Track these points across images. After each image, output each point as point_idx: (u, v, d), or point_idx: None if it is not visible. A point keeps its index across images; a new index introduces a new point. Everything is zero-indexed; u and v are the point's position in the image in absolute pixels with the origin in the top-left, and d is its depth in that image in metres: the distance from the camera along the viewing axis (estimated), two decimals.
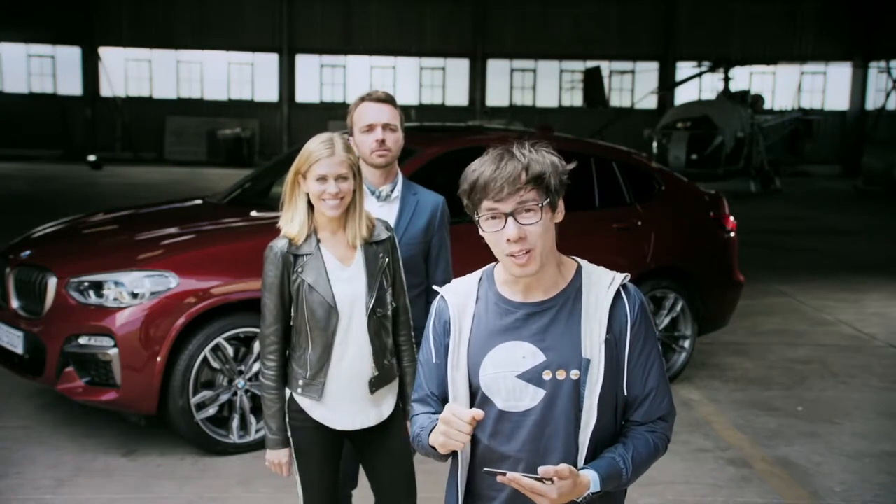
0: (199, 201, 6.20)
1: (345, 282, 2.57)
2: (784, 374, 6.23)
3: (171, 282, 4.38)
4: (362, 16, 29.39)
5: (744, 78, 28.81)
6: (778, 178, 22.13)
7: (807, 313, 8.22)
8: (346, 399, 2.62)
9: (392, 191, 3.10)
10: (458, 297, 1.94)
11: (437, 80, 30.61)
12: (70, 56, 29.14)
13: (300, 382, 2.60)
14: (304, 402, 2.62)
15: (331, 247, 2.60)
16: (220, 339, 4.45)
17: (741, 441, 4.91)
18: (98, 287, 4.41)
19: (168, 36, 29.16)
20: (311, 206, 2.57)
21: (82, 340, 4.37)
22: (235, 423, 4.55)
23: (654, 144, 21.74)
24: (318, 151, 2.52)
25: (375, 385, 2.63)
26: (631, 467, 1.83)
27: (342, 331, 2.57)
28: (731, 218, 6.36)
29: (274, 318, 2.58)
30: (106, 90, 29.03)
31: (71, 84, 29.28)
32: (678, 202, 6.16)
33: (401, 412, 2.74)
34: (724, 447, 4.80)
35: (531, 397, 1.84)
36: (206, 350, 4.41)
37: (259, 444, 4.50)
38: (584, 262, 1.94)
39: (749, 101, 22.23)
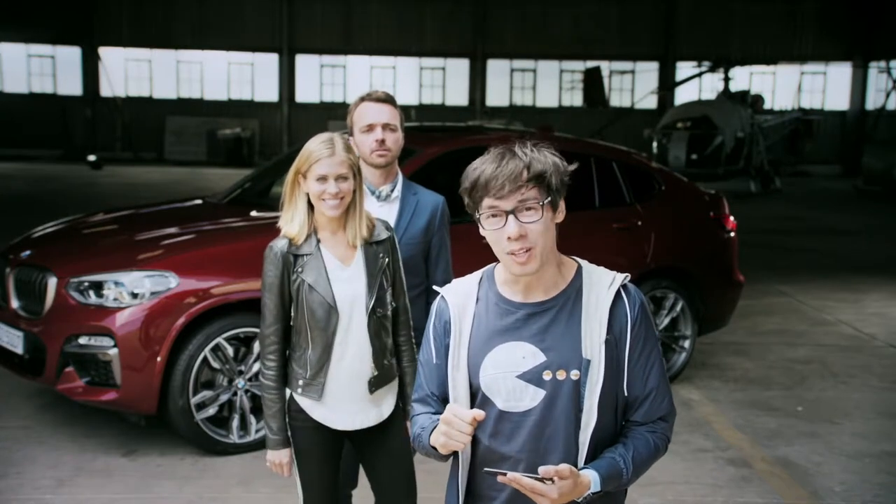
0: (199, 201, 6.20)
1: (345, 282, 2.57)
2: (784, 374, 6.23)
3: (171, 282, 4.38)
4: (362, 16, 29.39)
5: (744, 78, 28.82)
6: (778, 178, 22.13)
7: (807, 313, 8.22)
8: (346, 399, 2.62)
9: (392, 191, 3.10)
10: (459, 297, 1.94)
11: (437, 80, 30.62)
12: (70, 56, 29.14)
13: (300, 382, 2.60)
14: (304, 402, 2.62)
15: (331, 247, 2.60)
16: (220, 339, 4.45)
17: (741, 441, 4.91)
18: (98, 287, 4.41)
19: (168, 36, 29.16)
20: (311, 206, 2.57)
21: (82, 340, 4.37)
22: (235, 423, 4.55)
23: (654, 144, 21.74)
24: (319, 151, 2.52)
25: (375, 385, 2.63)
26: (631, 467, 1.83)
27: (342, 331, 2.57)
28: (731, 218, 6.36)
29: (274, 318, 2.58)
30: (106, 90, 29.03)
31: (71, 84, 29.28)
32: (678, 202, 6.16)
33: (401, 412, 2.74)
34: (724, 447, 4.80)
35: (531, 397, 1.84)
36: (206, 350, 4.41)
37: (259, 444, 4.50)
38: (584, 263, 1.94)
39: (749, 101, 22.23)
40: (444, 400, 1.95)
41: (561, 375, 1.82)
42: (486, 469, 1.78)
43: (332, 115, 26.91)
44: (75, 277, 4.46)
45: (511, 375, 1.84)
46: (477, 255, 2.62)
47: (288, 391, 2.64)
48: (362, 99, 3.07)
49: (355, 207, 2.59)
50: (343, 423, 2.64)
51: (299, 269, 2.55)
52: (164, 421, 4.54)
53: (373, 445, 2.72)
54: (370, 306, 2.59)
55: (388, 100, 3.05)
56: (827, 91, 31.14)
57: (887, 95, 27.79)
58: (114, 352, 4.30)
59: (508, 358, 1.85)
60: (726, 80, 22.80)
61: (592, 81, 26.32)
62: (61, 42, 28.69)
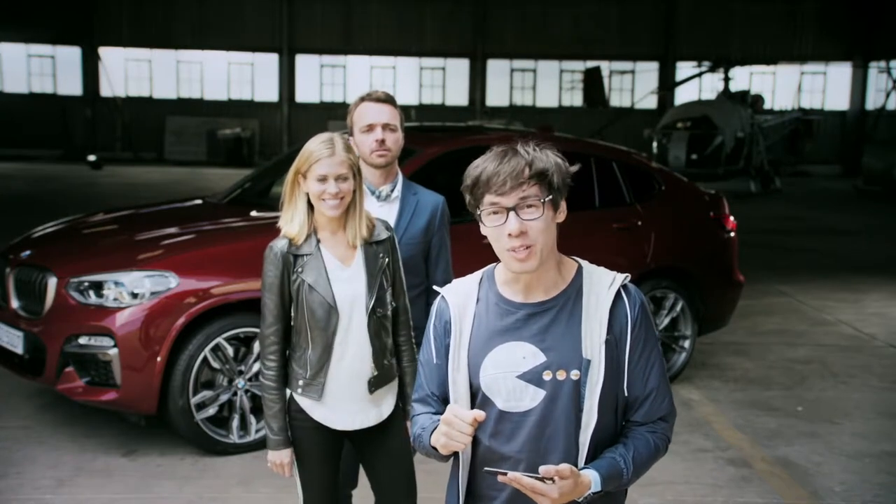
0: (199, 201, 6.20)
1: (345, 282, 2.57)
2: (784, 374, 6.23)
3: (171, 282, 4.38)
4: (362, 16, 29.39)
5: (744, 78, 28.81)
6: (778, 178, 22.13)
7: (807, 313, 8.22)
8: (346, 399, 2.62)
9: (392, 191, 3.10)
10: (459, 297, 1.94)
11: (437, 80, 30.62)
12: (70, 56, 29.15)
13: (300, 382, 2.60)
14: (304, 402, 2.62)
15: (331, 247, 2.60)
16: (220, 339, 4.45)
17: (741, 441, 4.91)
18: (98, 287, 4.41)
19: (168, 36, 29.17)
20: (311, 206, 2.57)
21: (82, 340, 4.37)
22: (235, 423, 4.54)
23: (654, 144, 21.74)
24: (319, 151, 2.52)
25: (375, 385, 2.64)
26: (632, 467, 1.83)
27: (342, 331, 2.57)
28: (731, 218, 6.36)
29: (274, 318, 2.58)
30: (106, 90, 29.03)
31: (71, 84, 29.28)
32: (678, 202, 6.16)
33: (400, 412, 2.74)
34: (724, 447, 4.80)
35: (531, 398, 1.84)
36: (206, 350, 4.41)
37: (259, 444, 4.50)
38: (584, 263, 1.94)
39: (749, 101, 22.23)
40: (444, 400, 1.95)
41: (561, 375, 1.82)
42: (486, 468, 1.78)
43: (332, 115, 26.92)
44: (75, 277, 4.46)
45: (511, 375, 1.84)
46: (477, 255, 2.63)
47: (288, 391, 2.64)
48: (362, 99, 3.07)
49: (355, 207, 2.59)
50: (343, 423, 2.64)
51: (299, 270, 2.55)
52: (164, 421, 4.54)
53: (373, 445, 2.72)
54: (370, 306, 2.59)
55: (388, 100, 3.05)
56: (827, 91, 31.15)
57: (887, 95, 27.79)
58: (114, 352, 4.30)
59: (509, 358, 1.85)
60: (726, 80, 22.80)
61: (592, 81, 26.32)
62: (61, 42, 28.69)
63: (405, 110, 3.41)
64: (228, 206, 5.65)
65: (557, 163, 1.82)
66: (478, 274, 1.98)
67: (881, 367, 6.48)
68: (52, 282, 4.49)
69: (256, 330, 3.68)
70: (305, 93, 30.24)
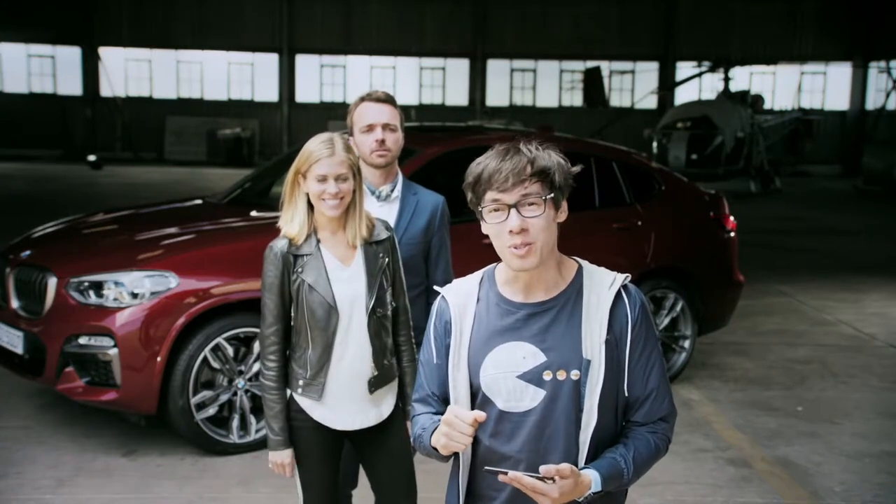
0: (199, 201, 6.20)
1: (345, 282, 2.57)
2: (784, 374, 6.23)
3: (171, 282, 4.38)
4: (362, 16, 29.39)
5: (744, 78, 28.81)
6: (778, 178, 22.13)
7: (807, 313, 8.22)
8: (346, 399, 2.62)
9: (392, 191, 3.10)
10: (459, 297, 1.94)
11: (437, 80, 30.62)
12: (70, 56, 29.14)
13: (300, 382, 2.60)
14: (305, 403, 2.62)
15: (331, 247, 2.60)
16: (220, 339, 4.45)
17: (741, 441, 4.91)
18: (98, 287, 4.41)
19: (168, 36, 29.16)
20: (310, 206, 2.57)
21: (82, 340, 4.37)
22: (235, 423, 4.54)
23: (654, 144, 21.74)
24: (318, 151, 2.52)
25: (375, 385, 2.64)
26: (632, 467, 1.83)
27: (342, 331, 2.57)
28: (731, 218, 6.36)
29: (274, 318, 2.58)
30: (106, 90, 29.03)
31: (71, 84, 29.28)
32: (678, 202, 6.16)
33: (400, 412, 2.74)
34: (724, 447, 4.80)
35: (531, 398, 1.84)
36: (206, 350, 4.41)
37: (259, 444, 4.50)
38: (584, 263, 1.94)
39: (749, 101, 22.22)
40: (444, 400, 1.95)
41: (561, 375, 1.82)
42: (486, 468, 1.78)
43: (332, 115, 26.91)
44: (75, 277, 4.45)
45: (511, 375, 1.84)
46: (477, 254, 2.63)
47: (288, 391, 2.64)
48: (362, 99, 3.07)
49: (355, 207, 2.59)
50: (343, 423, 2.64)
51: (299, 270, 2.55)
52: (164, 421, 4.54)
53: (373, 445, 2.72)
54: (370, 306, 2.59)
55: (388, 100, 3.05)
56: (827, 91, 31.14)
57: (887, 95, 27.79)
58: (114, 352, 4.30)
59: (509, 358, 1.85)
60: (726, 80, 22.80)
61: (592, 81, 26.32)
62: (61, 42, 28.69)
63: (405, 110, 3.41)
64: (228, 206, 5.65)
65: (559, 162, 1.83)
66: (478, 274, 1.98)
67: (881, 367, 6.48)
68: (52, 282, 4.49)
69: (256, 330, 3.68)
70: (305, 93, 30.25)
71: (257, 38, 29.35)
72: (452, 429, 1.76)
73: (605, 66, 28.76)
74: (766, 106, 25.27)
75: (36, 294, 4.58)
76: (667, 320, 5.84)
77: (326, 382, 2.59)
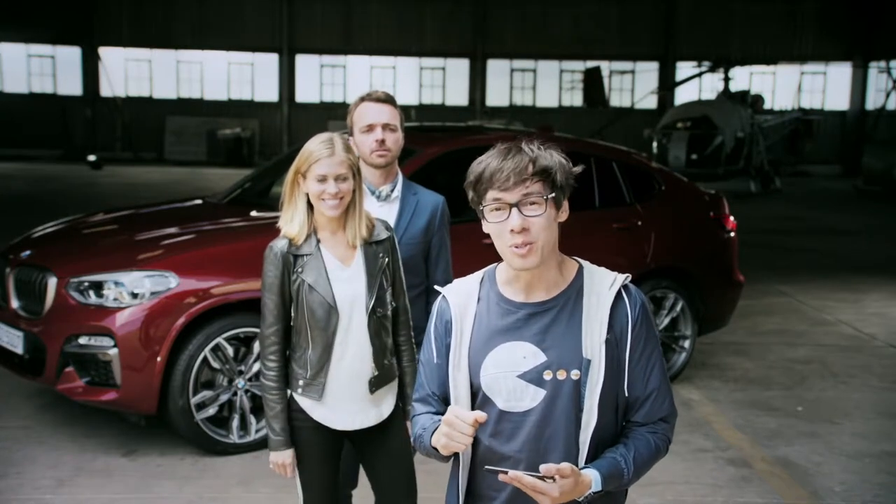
0: (199, 201, 6.20)
1: (345, 282, 2.57)
2: (784, 374, 6.23)
3: (171, 282, 4.38)
4: (362, 16, 29.39)
5: (744, 78, 28.81)
6: (778, 178, 22.13)
7: (807, 313, 8.22)
8: (347, 399, 2.62)
9: (392, 191, 3.09)
10: (460, 297, 1.94)
11: (437, 80, 30.62)
12: (70, 56, 29.14)
13: (300, 382, 2.60)
14: (305, 403, 2.62)
15: (331, 247, 2.60)
16: (220, 339, 4.45)
17: (741, 441, 4.91)
18: (98, 287, 4.41)
19: (168, 36, 29.16)
20: (310, 206, 2.57)
21: (82, 340, 4.37)
22: (235, 423, 4.54)
23: (654, 144, 21.74)
24: (318, 151, 2.52)
25: (375, 385, 2.64)
26: (632, 467, 1.83)
27: (342, 331, 2.57)
28: (731, 218, 6.36)
29: (274, 318, 2.58)
30: (106, 90, 29.03)
31: (71, 84, 29.28)
32: (678, 202, 6.16)
33: (400, 412, 2.74)
34: (724, 447, 4.80)
35: (532, 397, 1.84)
36: (206, 350, 4.41)
37: (259, 444, 4.50)
38: (585, 263, 1.94)
39: (749, 101, 22.22)
40: (444, 399, 1.95)
41: (561, 375, 1.82)
42: (487, 467, 1.78)
43: (332, 115, 26.91)
44: (75, 277, 4.45)
45: (512, 375, 1.84)
46: (477, 255, 2.63)
47: (288, 391, 2.64)
48: (362, 99, 3.07)
49: (355, 207, 2.59)
50: (343, 423, 2.64)
51: (299, 270, 2.55)
52: (164, 421, 4.54)
53: (373, 445, 2.72)
54: (370, 306, 2.59)
55: (388, 100, 3.05)
56: (827, 91, 31.14)
57: (887, 95, 27.79)
58: (114, 352, 4.30)
59: (509, 357, 1.85)
60: (726, 80, 22.80)
61: (592, 81, 26.32)
62: (61, 42, 28.68)
63: (405, 110, 3.41)
64: (228, 206, 5.65)
65: (561, 162, 1.83)
66: (479, 274, 1.98)
67: (881, 367, 6.48)
68: (52, 282, 4.49)
69: (256, 330, 3.68)
70: (305, 93, 30.24)
71: (257, 38, 29.35)
72: (453, 429, 1.76)
73: (605, 66, 28.76)
74: (766, 106, 25.27)
75: (36, 294, 4.58)
76: (667, 320, 5.84)
77: (326, 382, 2.59)
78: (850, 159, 28.33)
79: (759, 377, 6.16)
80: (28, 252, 4.92)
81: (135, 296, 4.36)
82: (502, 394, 1.85)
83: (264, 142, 29.05)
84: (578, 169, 1.87)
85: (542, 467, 1.68)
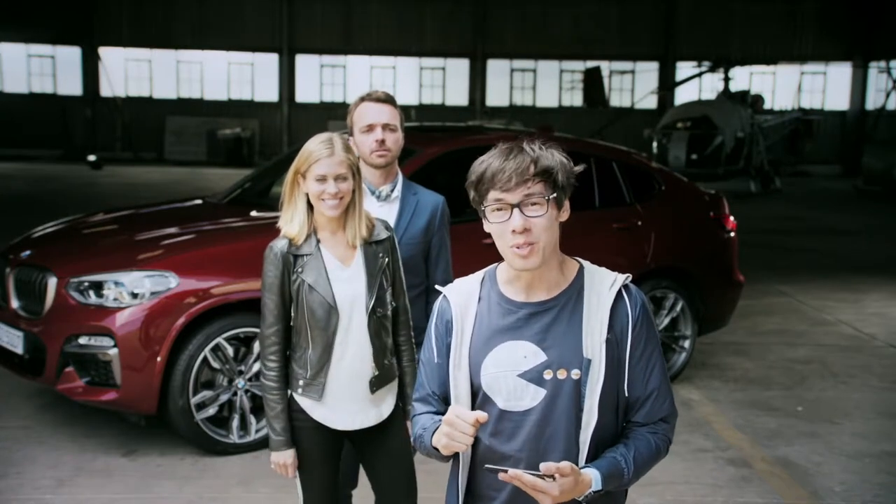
0: (199, 201, 6.20)
1: (345, 282, 2.57)
2: (784, 374, 6.23)
3: (171, 282, 4.38)
4: (362, 16, 29.39)
5: (744, 78, 28.81)
6: (778, 178, 22.13)
7: (807, 313, 8.22)
8: (347, 399, 2.62)
9: (392, 191, 3.09)
10: (461, 296, 1.94)
11: (437, 80, 30.62)
12: (70, 56, 29.14)
13: (300, 382, 2.60)
14: (305, 403, 2.62)
15: (330, 247, 2.60)
16: (220, 339, 4.45)
17: (741, 441, 4.91)
18: (98, 287, 4.41)
19: (168, 36, 29.16)
20: (310, 206, 2.57)
21: (82, 340, 4.37)
22: (235, 423, 4.54)
23: (654, 144, 21.74)
24: (318, 151, 2.52)
25: (376, 385, 2.64)
26: (632, 467, 1.83)
27: (342, 331, 2.57)
28: (731, 218, 6.36)
29: (274, 318, 2.58)
30: (106, 90, 29.03)
31: (71, 84, 29.28)
32: (678, 202, 6.16)
33: (400, 412, 2.74)
34: (724, 447, 4.80)
35: (532, 397, 1.84)
36: (206, 350, 4.41)
37: (259, 444, 4.50)
38: (586, 263, 1.94)
39: (749, 101, 22.22)
40: (445, 399, 1.95)
41: (562, 375, 1.82)
42: (487, 466, 1.78)
43: (332, 115, 26.91)
44: (75, 277, 4.45)
45: (512, 374, 1.84)
46: (477, 255, 2.63)
47: (288, 391, 2.63)
48: (362, 99, 3.07)
49: (355, 207, 2.59)
50: (343, 423, 2.63)
51: (299, 270, 2.55)
52: (164, 421, 4.54)
53: (373, 445, 2.72)
54: (370, 306, 2.59)
55: (388, 100, 3.05)
56: (827, 91, 31.14)
57: (887, 95, 27.79)
58: (114, 352, 4.30)
59: (509, 357, 1.85)
60: (726, 80, 22.80)
61: (592, 81, 26.32)
62: (61, 42, 28.68)
63: (405, 110, 3.41)
64: (228, 206, 5.65)
65: (562, 162, 1.83)
66: (480, 273, 1.98)
67: (881, 367, 6.48)
68: (52, 282, 4.49)
69: (256, 330, 3.68)
70: (305, 93, 30.25)
71: (257, 38, 29.35)
72: (454, 429, 1.76)
73: (605, 66, 28.77)
74: (766, 106, 25.27)
75: (36, 294, 4.58)
76: (667, 320, 5.84)
77: (327, 382, 2.59)
78: (850, 159, 28.34)
79: (759, 377, 6.16)
80: (28, 252, 4.92)
81: (135, 296, 4.36)
82: (502, 393, 1.85)
83: (264, 142, 29.05)
84: (580, 168, 1.87)
85: (542, 466, 1.68)
